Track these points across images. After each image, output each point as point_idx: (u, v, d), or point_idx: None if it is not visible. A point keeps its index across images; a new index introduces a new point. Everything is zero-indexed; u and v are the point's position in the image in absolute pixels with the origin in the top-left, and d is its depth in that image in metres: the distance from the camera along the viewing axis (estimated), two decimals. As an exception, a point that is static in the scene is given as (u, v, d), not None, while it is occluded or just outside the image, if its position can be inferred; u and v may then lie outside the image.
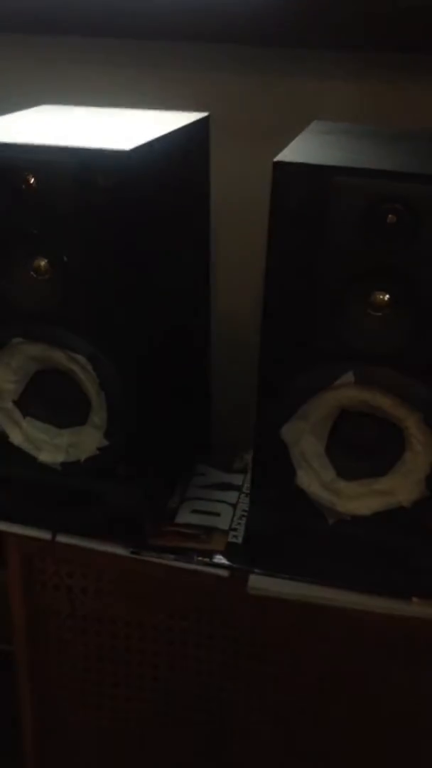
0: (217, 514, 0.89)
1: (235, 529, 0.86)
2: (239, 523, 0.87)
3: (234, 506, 0.91)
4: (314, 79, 0.99)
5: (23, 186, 0.67)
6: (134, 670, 0.95)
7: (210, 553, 0.83)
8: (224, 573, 0.82)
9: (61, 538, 0.85)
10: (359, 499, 0.74)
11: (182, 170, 0.82)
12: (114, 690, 0.97)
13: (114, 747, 1.02)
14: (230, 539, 0.85)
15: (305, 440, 0.73)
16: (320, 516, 0.76)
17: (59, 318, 0.73)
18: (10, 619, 0.95)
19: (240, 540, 0.85)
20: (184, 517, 0.88)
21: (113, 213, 0.67)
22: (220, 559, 0.83)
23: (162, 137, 0.73)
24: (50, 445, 0.81)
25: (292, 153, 0.67)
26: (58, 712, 1.01)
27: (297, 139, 0.74)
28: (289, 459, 0.74)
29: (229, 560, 0.82)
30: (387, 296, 0.65)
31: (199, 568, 0.82)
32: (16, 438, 0.82)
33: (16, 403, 0.81)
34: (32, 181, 0.67)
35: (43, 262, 0.72)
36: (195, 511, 0.89)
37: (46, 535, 0.85)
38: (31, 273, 0.73)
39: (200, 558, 0.83)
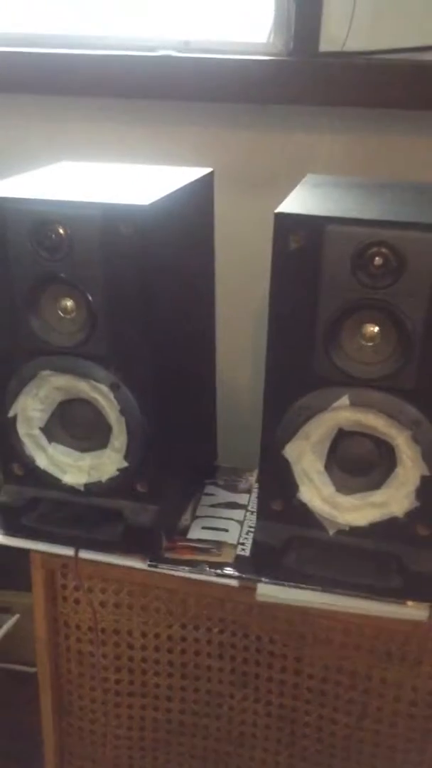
0: (226, 530, 0.97)
1: (242, 543, 0.94)
2: (246, 538, 0.95)
3: (241, 523, 0.98)
4: (307, 135, 1.09)
5: (54, 236, 0.76)
6: (150, 679, 1.01)
7: (220, 565, 0.91)
8: (234, 583, 0.89)
9: (83, 554, 0.91)
10: (356, 511, 0.82)
11: (191, 219, 0.91)
12: (130, 699, 1.03)
13: (129, 754, 1.07)
14: (238, 552, 0.92)
15: (306, 458, 0.81)
16: (321, 527, 0.83)
17: (83, 352, 0.81)
18: (33, 638, 1.02)
19: (247, 553, 0.92)
20: (196, 533, 0.96)
21: (134, 258, 0.76)
22: (229, 570, 0.90)
23: (174, 191, 0.82)
24: (74, 468, 0.88)
25: (290, 205, 0.76)
26: (78, 722, 1.07)
27: (294, 191, 0.83)
28: (292, 475, 0.82)
29: (238, 571, 0.90)
30: (376, 328, 0.74)
31: (211, 578, 0.90)
32: (42, 462, 0.89)
33: (42, 429, 0.88)
34: (62, 231, 0.76)
35: (69, 302, 0.80)
36: (205, 528, 0.97)
37: (69, 552, 0.92)
38: (59, 312, 0.81)
39: (212, 569, 0.90)
